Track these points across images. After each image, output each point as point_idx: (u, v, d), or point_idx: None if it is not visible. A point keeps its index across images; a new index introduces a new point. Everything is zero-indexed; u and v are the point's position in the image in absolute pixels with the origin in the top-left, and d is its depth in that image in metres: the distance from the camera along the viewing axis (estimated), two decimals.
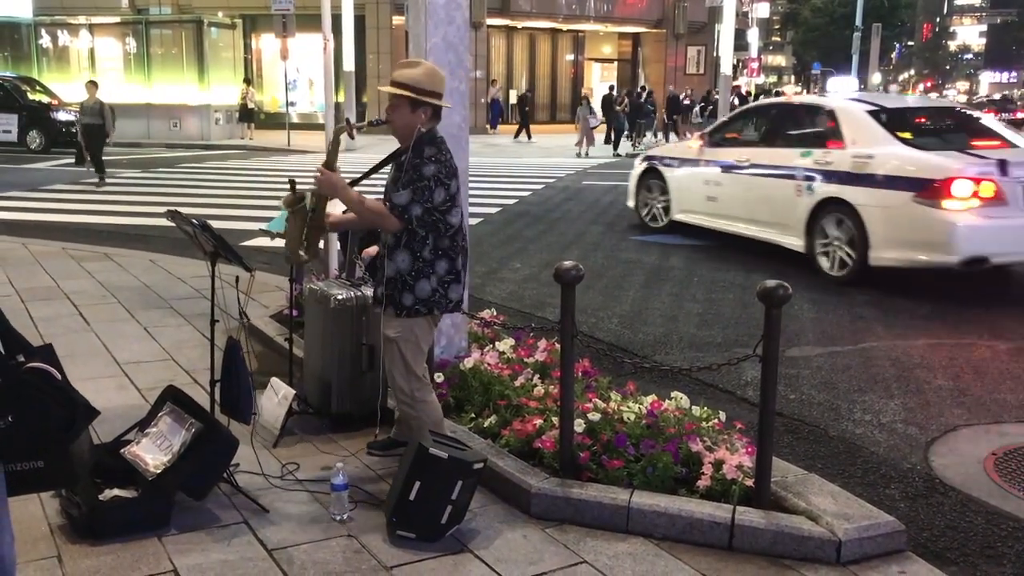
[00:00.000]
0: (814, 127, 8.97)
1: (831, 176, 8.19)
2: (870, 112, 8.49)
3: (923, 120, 9.06)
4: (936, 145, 8.09)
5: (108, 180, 15.00)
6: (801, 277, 7.72)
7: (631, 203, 11.47)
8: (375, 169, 3.96)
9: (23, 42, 26.21)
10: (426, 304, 3.68)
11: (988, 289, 8.05)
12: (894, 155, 7.86)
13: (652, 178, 11.02)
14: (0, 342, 2.21)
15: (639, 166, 11.35)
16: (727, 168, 9.61)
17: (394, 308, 3.69)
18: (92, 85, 15.19)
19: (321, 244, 5.48)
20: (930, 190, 7.38)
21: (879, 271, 7.85)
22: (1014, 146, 8.23)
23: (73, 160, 17.13)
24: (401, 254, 3.65)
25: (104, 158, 15.18)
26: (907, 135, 8.18)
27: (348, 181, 3.76)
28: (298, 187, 3.83)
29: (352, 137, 3.75)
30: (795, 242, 8.66)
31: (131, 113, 24.62)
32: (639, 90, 30.22)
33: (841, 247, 8.13)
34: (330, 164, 3.72)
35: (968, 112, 10.27)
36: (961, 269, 7.51)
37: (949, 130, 8.78)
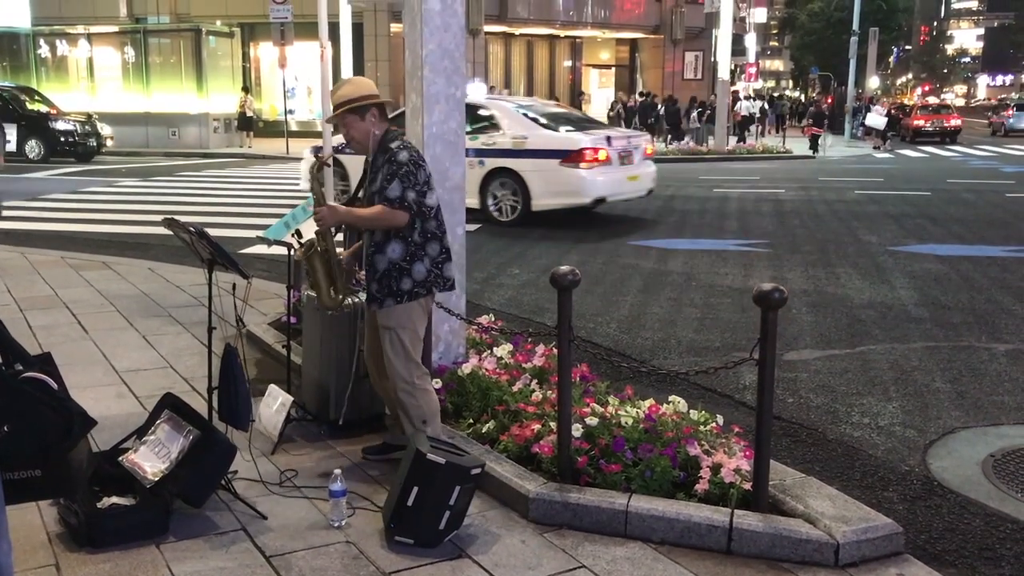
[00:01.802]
0: (478, 119, 11.92)
1: (497, 152, 11.53)
2: (516, 108, 12.19)
3: (549, 114, 12.64)
4: (566, 128, 11.84)
5: (108, 189, 15.00)
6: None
7: (305, 186, 13.54)
8: (360, 187, 4.07)
9: (22, 52, 26.27)
10: (424, 285, 3.83)
11: (986, 292, 8.06)
12: (543, 136, 11.47)
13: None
14: None
15: (310, 156, 13.28)
16: None
17: (393, 298, 3.79)
18: None
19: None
20: (570, 157, 11.11)
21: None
22: (606, 128, 13.19)
23: None
24: (392, 243, 3.79)
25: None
26: (543, 122, 11.83)
27: (344, 202, 3.91)
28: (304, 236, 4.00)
29: (329, 166, 3.98)
30: (472, 201, 11.54)
31: (130, 122, 24.72)
32: (639, 95, 30.39)
33: (508, 201, 11.64)
34: (321, 201, 3.93)
35: (575, 111, 15.22)
36: (591, 206, 11.66)
37: (568, 121, 12.58)
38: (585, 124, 12.67)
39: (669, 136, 29.29)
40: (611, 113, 24.92)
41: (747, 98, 35.25)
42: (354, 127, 3.84)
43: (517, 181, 11.47)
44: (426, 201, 3.79)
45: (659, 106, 29.88)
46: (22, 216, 12.45)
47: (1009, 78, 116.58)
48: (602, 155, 11.22)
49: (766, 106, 36.77)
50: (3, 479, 2.15)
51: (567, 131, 11.68)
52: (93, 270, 8.38)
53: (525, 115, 11.87)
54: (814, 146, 27.20)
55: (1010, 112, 39.77)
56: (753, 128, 32.61)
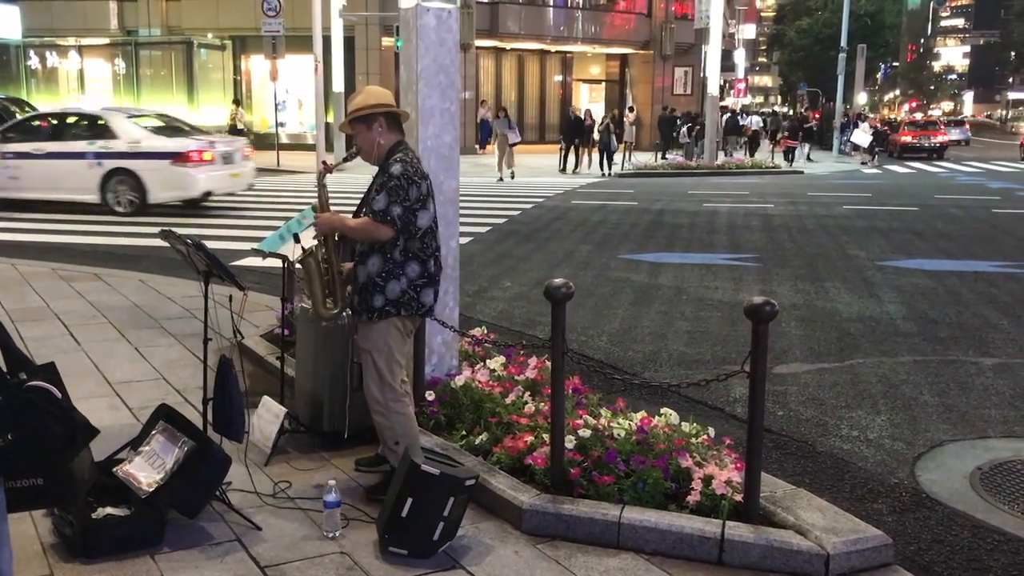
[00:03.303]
0: (93, 126, 13.95)
1: (115, 155, 13.34)
2: (128, 117, 14.24)
3: (154, 123, 14.63)
4: (175, 135, 14.05)
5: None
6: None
7: None
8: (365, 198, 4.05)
9: (12, 63, 26.27)
10: (395, 305, 3.76)
11: (973, 307, 8.14)
12: (155, 140, 13.57)
13: None
14: (3, 360, 2.23)
15: None
16: (25, 156, 13.70)
17: (366, 313, 3.78)
18: None
19: None
20: (180, 157, 13.23)
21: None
22: (210, 135, 15.47)
23: None
24: (372, 257, 3.77)
25: None
26: (152, 129, 14.07)
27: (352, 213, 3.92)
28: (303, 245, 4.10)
29: (330, 172, 4.00)
30: (91, 198, 13.49)
31: None
32: (644, 110, 30.82)
33: (127, 196, 13.41)
34: (323, 207, 3.97)
35: (181, 121, 16.28)
36: (200, 199, 13.95)
37: (177, 129, 14.63)
38: (192, 131, 14.84)
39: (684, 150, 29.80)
40: (600, 128, 24.89)
41: (754, 113, 35.68)
42: (360, 136, 3.85)
43: (134, 179, 13.32)
44: (417, 221, 3.73)
45: (678, 121, 30.30)
46: (12, 228, 12.41)
47: (995, 95, 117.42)
48: (207, 156, 13.37)
49: (766, 121, 37.20)
50: (5, 487, 2.17)
51: (176, 136, 13.88)
52: (84, 281, 8.37)
53: (137, 124, 14.03)
54: (789, 158, 27.75)
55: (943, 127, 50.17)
56: (764, 143, 33.12)
